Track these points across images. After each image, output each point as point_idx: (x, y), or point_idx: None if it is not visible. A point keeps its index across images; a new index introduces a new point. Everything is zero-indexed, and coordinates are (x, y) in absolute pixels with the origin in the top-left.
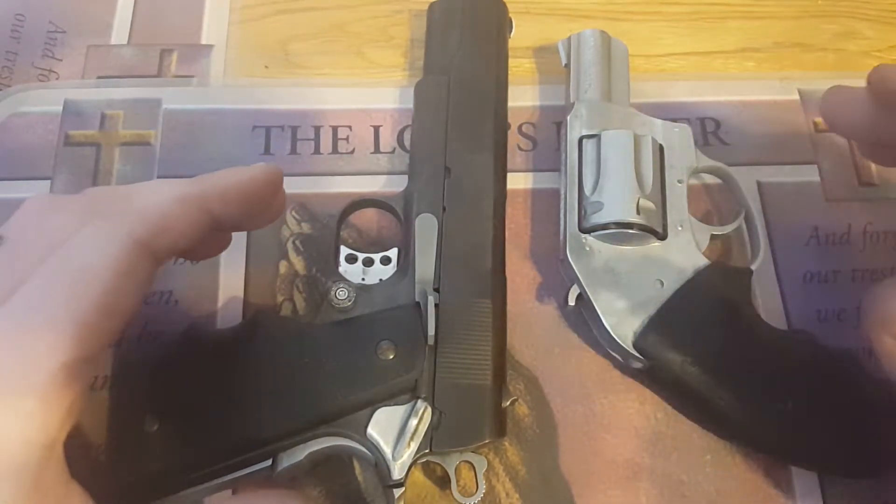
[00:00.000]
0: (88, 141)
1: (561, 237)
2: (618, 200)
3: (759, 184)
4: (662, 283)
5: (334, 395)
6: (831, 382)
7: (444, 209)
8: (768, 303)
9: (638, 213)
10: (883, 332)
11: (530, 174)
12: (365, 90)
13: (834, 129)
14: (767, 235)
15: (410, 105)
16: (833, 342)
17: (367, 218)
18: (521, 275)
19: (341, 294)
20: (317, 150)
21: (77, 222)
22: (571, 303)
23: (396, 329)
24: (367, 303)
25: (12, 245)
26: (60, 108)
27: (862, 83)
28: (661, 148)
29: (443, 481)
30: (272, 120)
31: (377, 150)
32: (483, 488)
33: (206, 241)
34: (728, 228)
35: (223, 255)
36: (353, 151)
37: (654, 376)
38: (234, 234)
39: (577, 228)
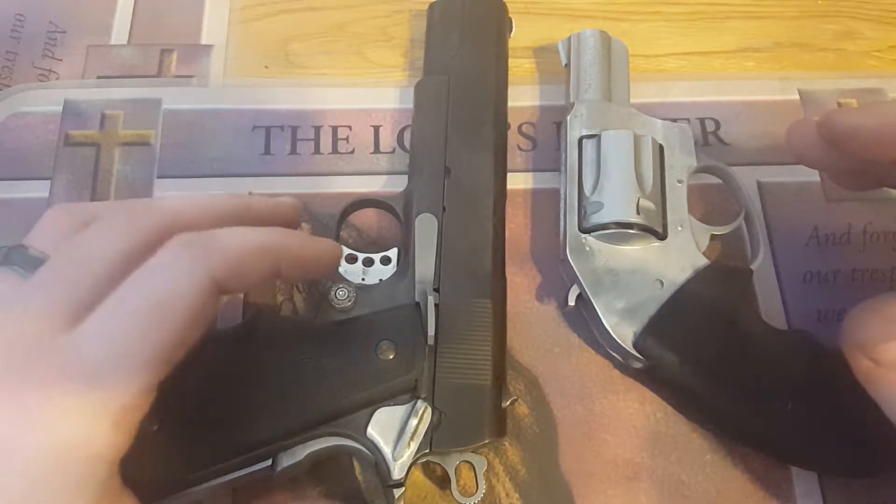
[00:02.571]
0: (88, 141)
1: (561, 237)
2: (618, 200)
3: (759, 184)
4: (662, 283)
5: (334, 395)
6: (831, 382)
7: (444, 209)
8: (768, 303)
9: (638, 213)
10: (861, 355)
11: (530, 174)
12: (365, 90)
13: (800, 162)
14: (767, 235)
15: (410, 105)
16: (833, 342)
17: (367, 218)
18: (521, 275)
19: (341, 294)
20: (317, 150)
21: (119, 236)
22: (571, 303)
23: (396, 329)
24: (367, 303)
25: (55, 261)
26: (60, 108)
27: (862, 83)
28: (661, 148)
29: (443, 481)
30: (272, 120)
31: (377, 150)
32: (483, 488)
33: None
34: (728, 228)
35: None
36: (353, 151)
37: (653, 376)
38: None
39: (577, 228)
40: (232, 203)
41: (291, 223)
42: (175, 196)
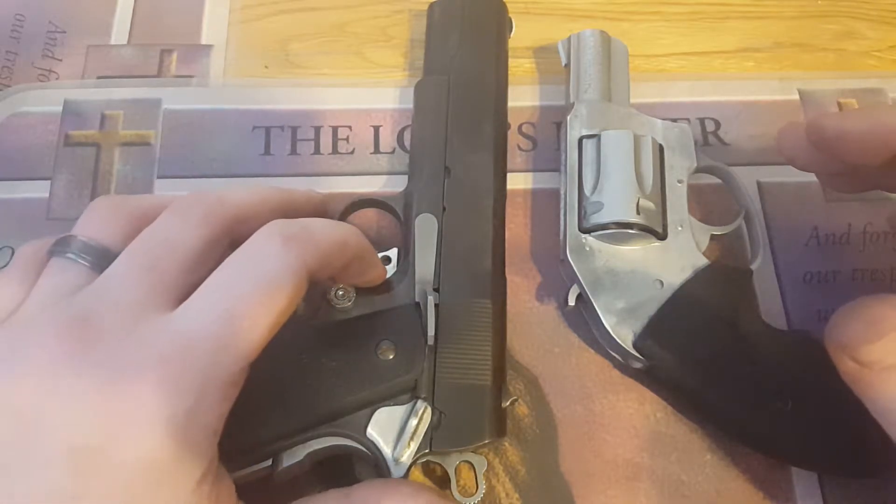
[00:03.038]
0: (88, 141)
1: (561, 237)
2: (618, 200)
3: (759, 184)
4: (662, 284)
5: (334, 395)
6: (831, 382)
7: (444, 209)
8: (768, 303)
9: (638, 213)
10: (844, 356)
11: (530, 174)
12: (365, 90)
13: (792, 164)
14: (767, 235)
15: (410, 105)
16: None
17: (367, 218)
18: (521, 275)
19: (341, 294)
20: (317, 151)
21: (197, 224)
22: (571, 303)
23: (396, 329)
24: (367, 303)
25: (134, 249)
26: (60, 108)
27: (862, 83)
28: (661, 148)
29: (443, 481)
30: (272, 120)
31: (377, 150)
32: (483, 488)
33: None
34: (728, 228)
35: None
36: (353, 151)
37: (653, 376)
38: None
39: (577, 228)
40: (281, 196)
41: (321, 215)
42: (232, 188)
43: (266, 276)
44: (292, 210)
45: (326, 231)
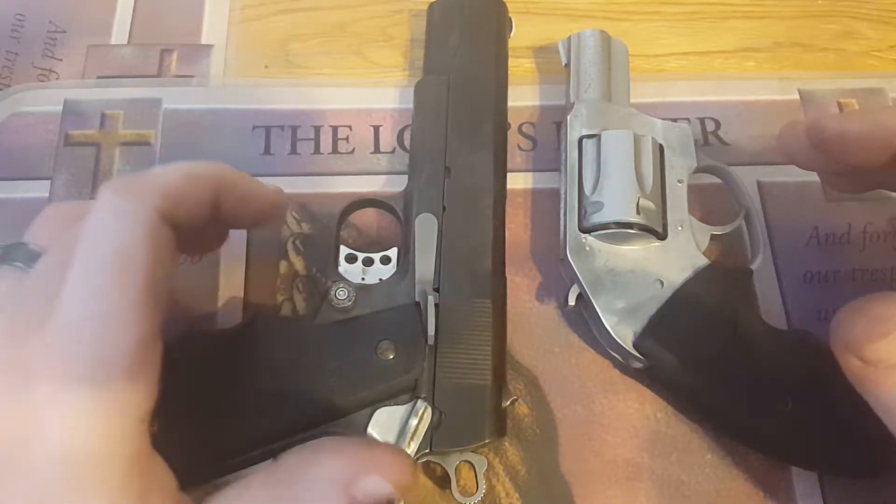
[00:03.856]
0: (88, 141)
1: (561, 237)
2: (618, 200)
3: (759, 184)
4: (662, 283)
5: (334, 395)
6: (831, 382)
7: (444, 209)
8: (768, 303)
9: (638, 212)
10: (849, 355)
11: (530, 174)
12: (365, 90)
13: (793, 163)
14: (767, 235)
15: (410, 105)
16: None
17: (367, 218)
18: (521, 275)
19: (341, 294)
20: (317, 150)
21: (115, 221)
22: (571, 303)
23: (396, 329)
24: (367, 303)
25: (50, 253)
26: (60, 108)
27: (862, 83)
28: (661, 148)
29: (443, 481)
30: (272, 120)
31: (377, 150)
32: (483, 488)
33: (205, 234)
34: (728, 228)
35: (223, 255)
36: (353, 151)
37: (654, 376)
38: (234, 235)
39: (577, 228)
40: (211, 170)
41: (275, 204)
42: (163, 169)
43: (111, 238)
44: (228, 179)
45: (167, 170)
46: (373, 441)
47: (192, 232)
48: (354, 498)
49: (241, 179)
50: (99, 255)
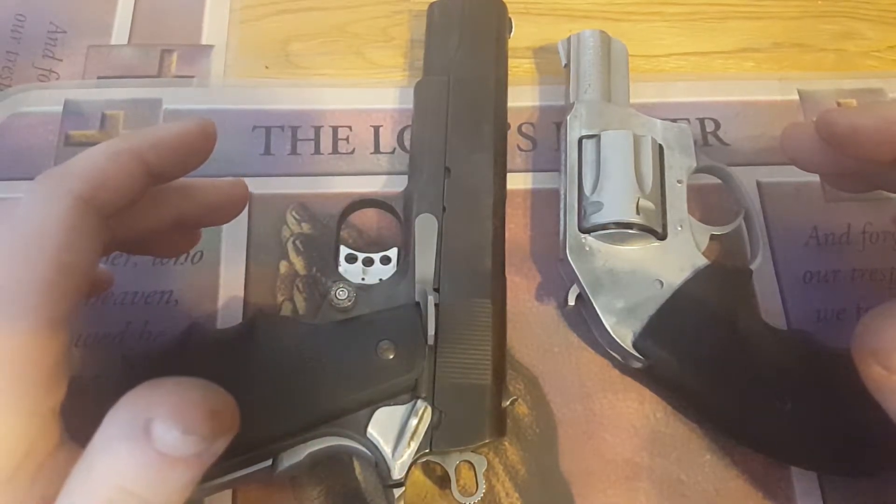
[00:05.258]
0: (89, 141)
1: (561, 237)
2: (617, 200)
3: (759, 184)
4: (662, 284)
5: (334, 395)
6: (831, 382)
7: (444, 209)
8: (768, 303)
9: (638, 213)
10: (872, 362)
11: (530, 174)
12: (365, 90)
13: (795, 164)
14: (767, 235)
15: (410, 105)
16: (833, 342)
17: (367, 218)
18: (521, 275)
19: (341, 294)
20: (317, 151)
21: (35, 211)
22: (571, 303)
23: (396, 329)
24: (367, 303)
25: None
26: (60, 108)
27: (862, 83)
28: (660, 148)
29: (443, 481)
30: (272, 120)
31: (377, 150)
32: (483, 488)
33: (171, 237)
34: (728, 228)
35: (223, 254)
36: (353, 151)
37: (653, 376)
38: (235, 234)
39: (576, 228)
40: (131, 145)
41: (202, 139)
42: (84, 154)
43: (24, 222)
44: (153, 150)
45: (90, 152)
46: (169, 381)
47: (157, 234)
48: (155, 443)
49: (162, 135)
50: (10, 236)
